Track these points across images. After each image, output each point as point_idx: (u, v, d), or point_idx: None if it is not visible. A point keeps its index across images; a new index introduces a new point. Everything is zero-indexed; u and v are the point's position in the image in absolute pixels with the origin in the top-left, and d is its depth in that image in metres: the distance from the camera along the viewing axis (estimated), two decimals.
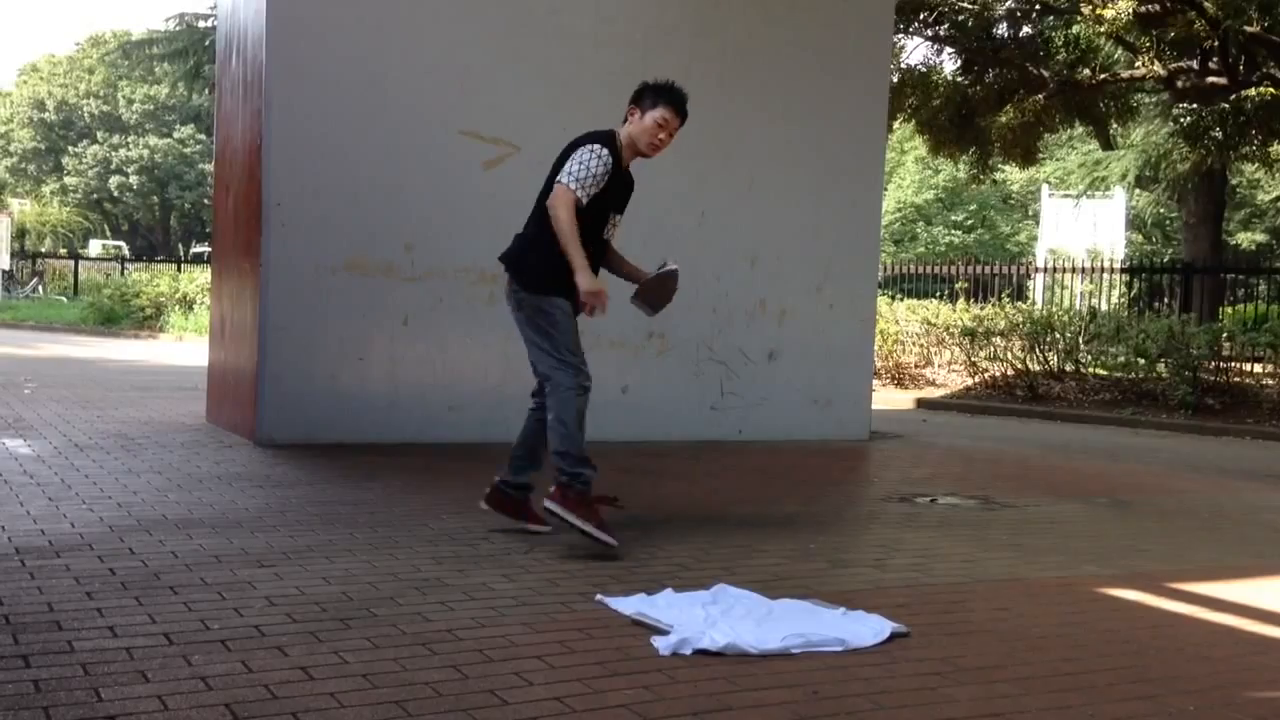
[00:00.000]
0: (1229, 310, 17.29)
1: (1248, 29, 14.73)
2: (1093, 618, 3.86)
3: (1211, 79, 16.61)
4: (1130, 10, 14.45)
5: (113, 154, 50.32)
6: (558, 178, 4.48)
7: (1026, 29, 18.03)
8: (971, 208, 42.46)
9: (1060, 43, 17.23)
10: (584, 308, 4.43)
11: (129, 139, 50.59)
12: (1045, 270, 19.92)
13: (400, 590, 3.71)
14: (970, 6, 16.79)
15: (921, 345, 15.45)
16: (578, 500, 4.36)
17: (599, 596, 3.71)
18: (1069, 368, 13.87)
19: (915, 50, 27.36)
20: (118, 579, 3.68)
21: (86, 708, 2.56)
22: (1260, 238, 36.37)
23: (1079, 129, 23.22)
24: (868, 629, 3.46)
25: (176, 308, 20.61)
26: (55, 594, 3.47)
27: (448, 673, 2.92)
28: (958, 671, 3.15)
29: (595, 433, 7.63)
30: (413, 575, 3.92)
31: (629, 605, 3.60)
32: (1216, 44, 15.88)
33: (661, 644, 3.21)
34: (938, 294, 18.86)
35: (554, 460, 4.43)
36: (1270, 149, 16.73)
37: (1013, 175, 37.44)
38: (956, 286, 18.44)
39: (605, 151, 4.47)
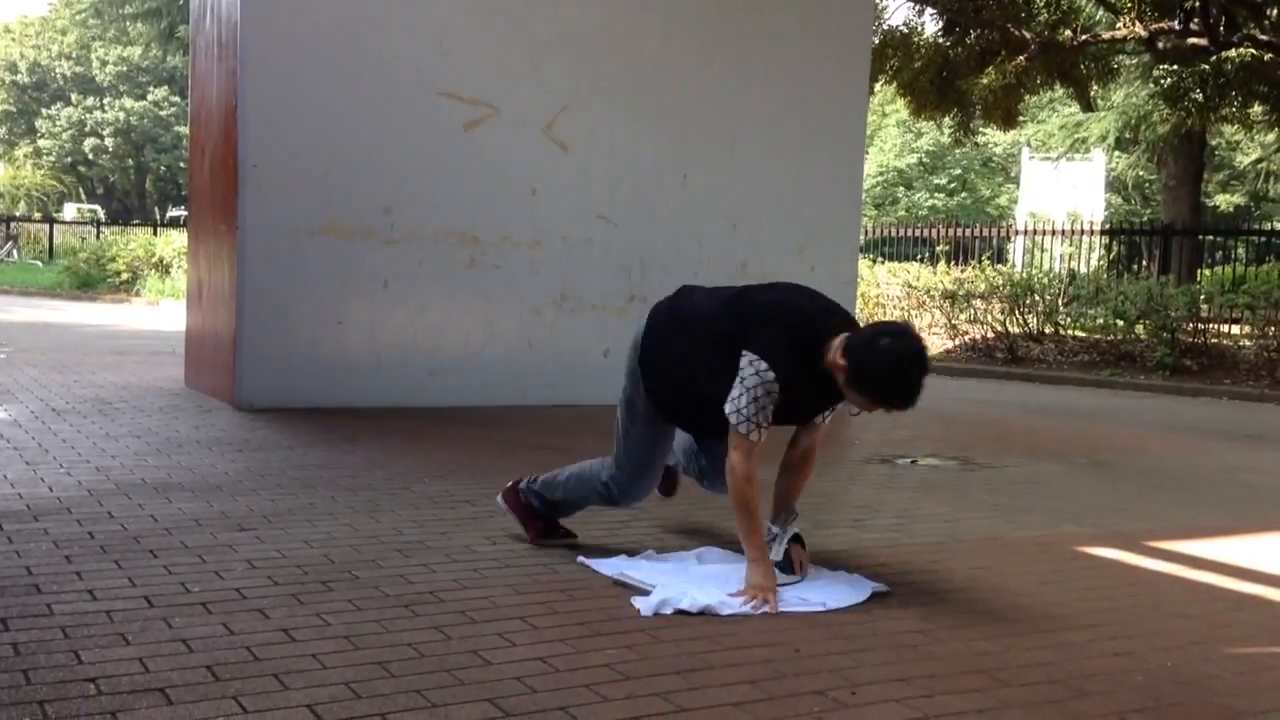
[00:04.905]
0: (1207, 272, 17.38)
1: None
2: (1071, 576, 3.89)
3: (1192, 40, 16.59)
4: None
5: (87, 116, 49.66)
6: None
7: None
8: (955, 172, 42.45)
9: (1041, 3, 17.16)
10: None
11: (104, 101, 49.92)
12: (1025, 233, 19.97)
13: (382, 553, 3.71)
14: None
15: (902, 308, 15.49)
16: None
17: (581, 558, 3.72)
18: (1048, 330, 13.93)
19: (897, 11, 27.28)
20: (97, 543, 3.66)
21: (67, 670, 2.55)
22: (1239, 200, 36.51)
23: (1060, 91, 23.17)
24: (849, 589, 3.48)
25: (153, 272, 20.44)
26: (34, 558, 3.45)
27: (430, 634, 2.93)
28: (938, 629, 3.17)
29: (578, 397, 7.73)
30: (395, 538, 3.91)
31: (611, 566, 3.61)
32: (1198, 5, 15.86)
33: (643, 604, 3.22)
34: (918, 257, 18.91)
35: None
36: (1250, 111, 16.75)
37: (994, 138, 37.44)
38: (937, 249, 18.46)
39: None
